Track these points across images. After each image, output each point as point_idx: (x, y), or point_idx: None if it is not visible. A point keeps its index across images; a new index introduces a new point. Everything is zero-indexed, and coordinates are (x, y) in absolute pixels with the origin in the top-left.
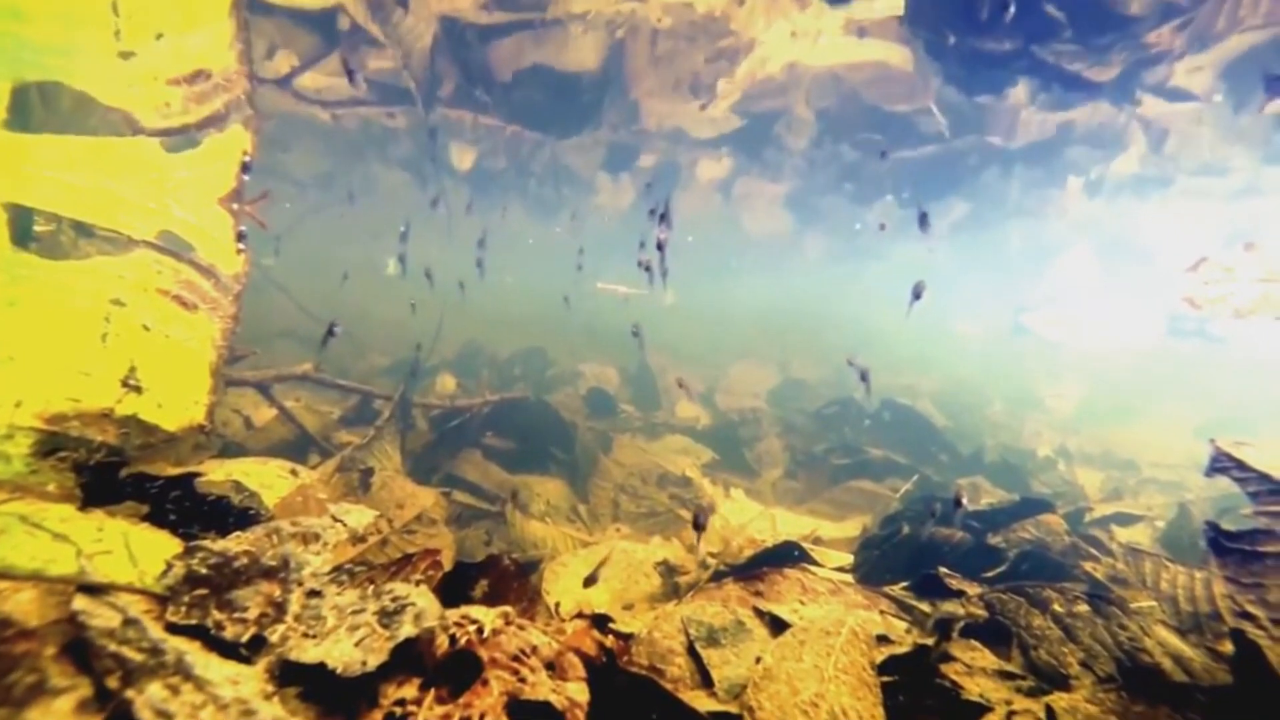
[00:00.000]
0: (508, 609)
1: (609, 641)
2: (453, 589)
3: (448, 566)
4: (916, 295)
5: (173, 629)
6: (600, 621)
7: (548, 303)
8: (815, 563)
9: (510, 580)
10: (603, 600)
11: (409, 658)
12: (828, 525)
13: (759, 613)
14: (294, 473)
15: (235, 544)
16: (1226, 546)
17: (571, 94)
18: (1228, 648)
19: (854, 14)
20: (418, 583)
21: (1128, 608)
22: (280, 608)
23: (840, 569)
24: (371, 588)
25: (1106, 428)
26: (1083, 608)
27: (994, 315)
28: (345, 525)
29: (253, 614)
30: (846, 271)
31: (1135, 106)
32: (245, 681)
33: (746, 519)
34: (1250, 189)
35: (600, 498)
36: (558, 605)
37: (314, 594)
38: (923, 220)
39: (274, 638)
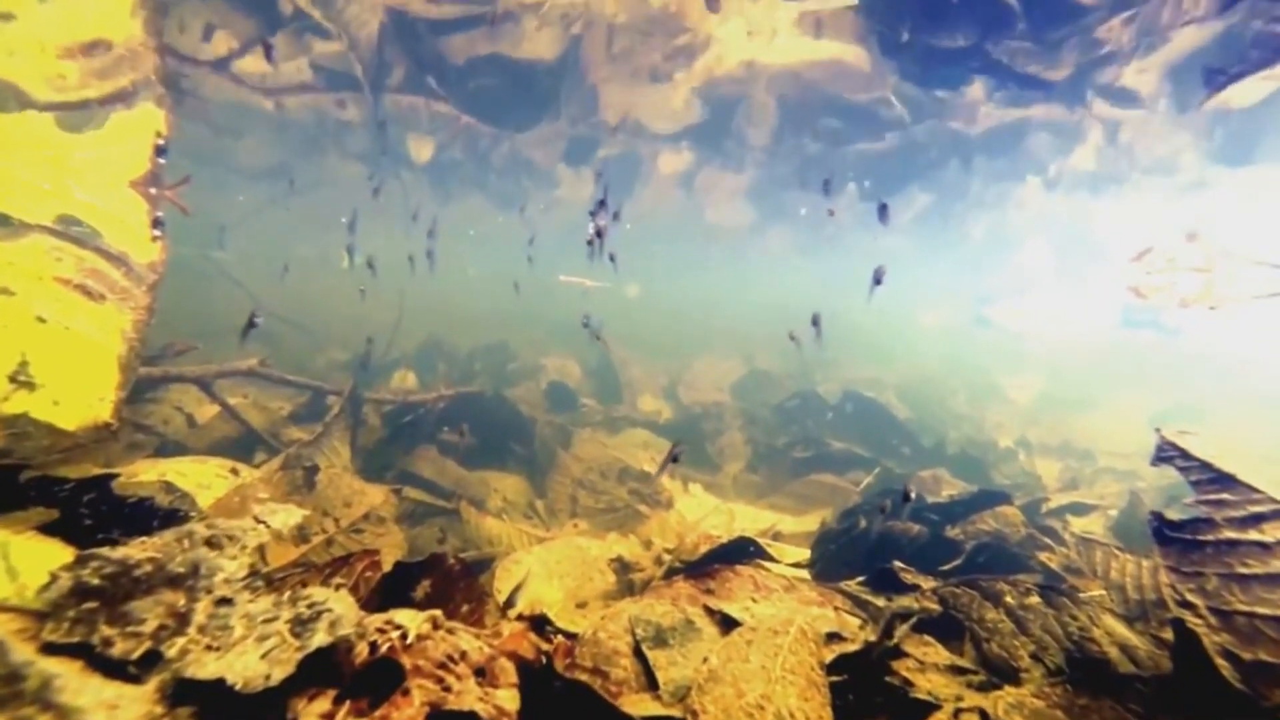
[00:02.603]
0: (436, 613)
1: (547, 644)
2: (392, 591)
3: (389, 566)
4: (877, 280)
5: (50, 649)
6: (539, 623)
7: (512, 296)
8: (770, 558)
9: (456, 580)
10: (555, 598)
11: (327, 667)
12: (788, 519)
13: (709, 611)
14: (234, 472)
15: (139, 550)
16: (1169, 536)
17: (528, 84)
18: (1171, 635)
19: (807, 5)
20: (338, 586)
21: (1078, 598)
22: (183, 619)
23: (798, 564)
24: (288, 593)
25: (1065, 418)
26: (1034, 599)
27: (957, 307)
28: (269, 527)
29: (149, 627)
30: (810, 263)
31: (1087, 109)
32: (127, 705)
33: (703, 514)
34: (1198, 185)
35: (558, 493)
36: (506, 605)
37: (224, 602)
38: (882, 212)
39: (171, 652)
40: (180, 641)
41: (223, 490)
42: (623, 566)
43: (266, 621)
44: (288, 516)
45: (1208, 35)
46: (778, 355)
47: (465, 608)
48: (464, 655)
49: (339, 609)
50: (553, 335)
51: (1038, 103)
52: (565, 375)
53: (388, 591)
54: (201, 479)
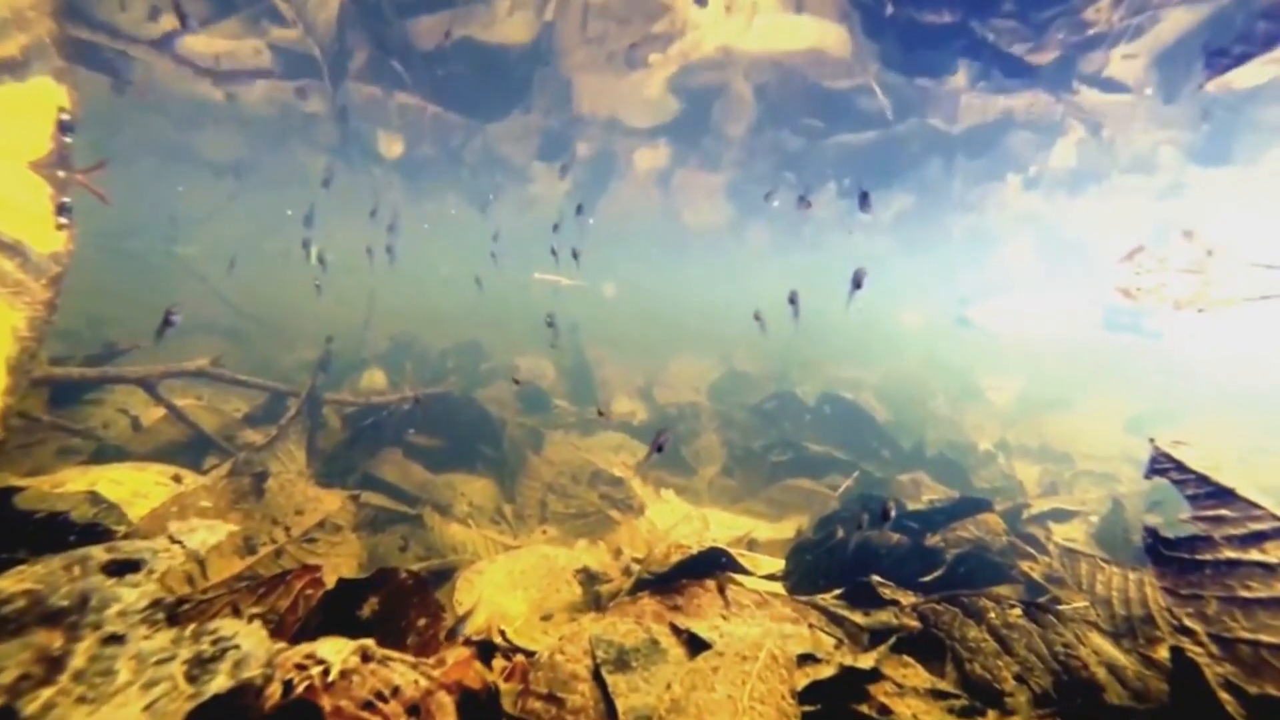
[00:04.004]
0: (367, 642)
1: (493, 673)
2: (337, 610)
3: (340, 580)
4: (857, 284)
5: None
6: (486, 650)
7: (488, 295)
8: (743, 570)
9: (408, 596)
10: (519, 611)
11: (231, 715)
12: (764, 526)
13: (676, 630)
14: (176, 479)
15: (13, 582)
16: (1165, 555)
17: (499, 74)
18: (1161, 653)
19: None
20: (259, 612)
21: (1063, 614)
22: (56, 664)
23: (773, 576)
24: (191, 628)
25: (1044, 420)
26: (1018, 616)
27: (937, 307)
28: (185, 547)
29: (7, 678)
30: (790, 263)
31: (1073, 95)
32: None
33: (675, 521)
34: (1176, 185)
35: (528, 498)
36: (450, 633)
37: (113, 640)
38: (863, 199)
39: (31, 708)
40: (46, 693)
41: (161, 500)
42: (590, 577)
43: (160, 663)
44: (209, 534)
45: (1196, 19)
46: (756, 356)
47: (422, 621)
48: (396, 691)
49: (247, 645)
50: (528, 335)
51: (1022, 90)
52: (539, 376)
53: (331, 610)
54: (138, 487)
